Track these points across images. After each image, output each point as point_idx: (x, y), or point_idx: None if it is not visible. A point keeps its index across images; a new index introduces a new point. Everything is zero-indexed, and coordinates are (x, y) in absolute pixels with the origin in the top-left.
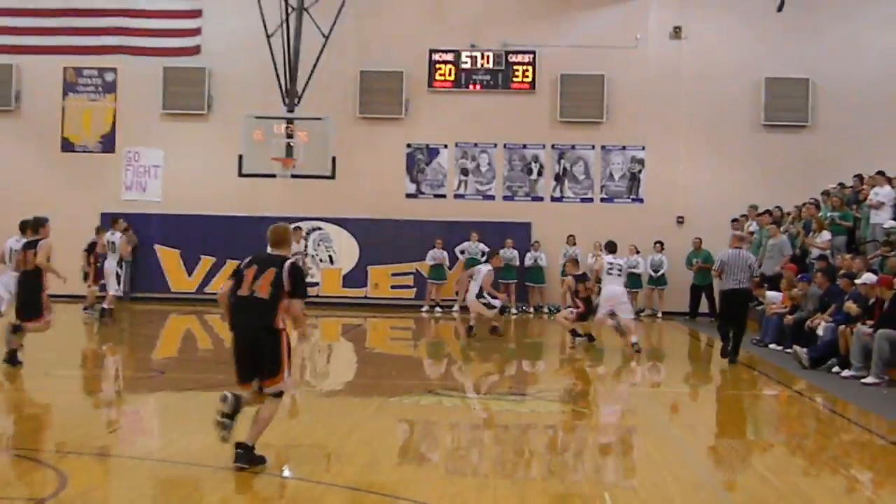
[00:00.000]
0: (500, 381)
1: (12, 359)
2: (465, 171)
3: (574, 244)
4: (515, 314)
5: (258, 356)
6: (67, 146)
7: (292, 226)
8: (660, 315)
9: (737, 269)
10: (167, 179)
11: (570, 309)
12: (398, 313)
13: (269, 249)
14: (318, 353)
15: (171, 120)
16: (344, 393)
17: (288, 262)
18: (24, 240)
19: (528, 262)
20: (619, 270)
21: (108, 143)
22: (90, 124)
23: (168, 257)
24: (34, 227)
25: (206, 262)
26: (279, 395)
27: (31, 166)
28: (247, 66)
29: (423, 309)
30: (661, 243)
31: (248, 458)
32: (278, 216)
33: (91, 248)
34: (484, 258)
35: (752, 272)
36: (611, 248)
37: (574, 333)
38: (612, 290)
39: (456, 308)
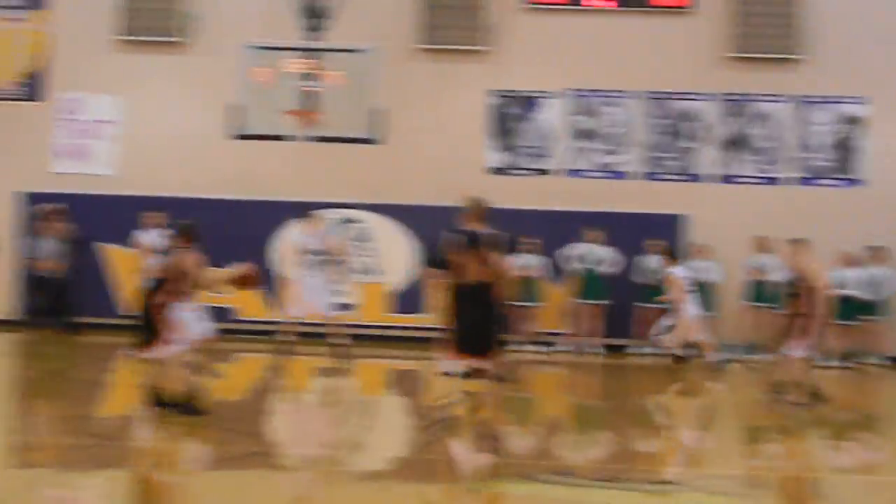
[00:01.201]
0: (634, 461)
1: None
2: (582, 134)
3: (767, 250)
4: (663, 356)
5: None
6: None
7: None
8: (875, 360)
9: None
10: (124, 143)
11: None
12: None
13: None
14: (351, 414)
15: (130, 51)
16: (388, 475)
17: None
18: None
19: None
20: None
21: (33, 87)
22: (7, 58)
23: (123, 262)
24: None
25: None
26: None
27: None
28: None
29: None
30: (885, 249)
31: None
32: (293, 200)
33: None
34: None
35: None
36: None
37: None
38: None
39: (567, 347)
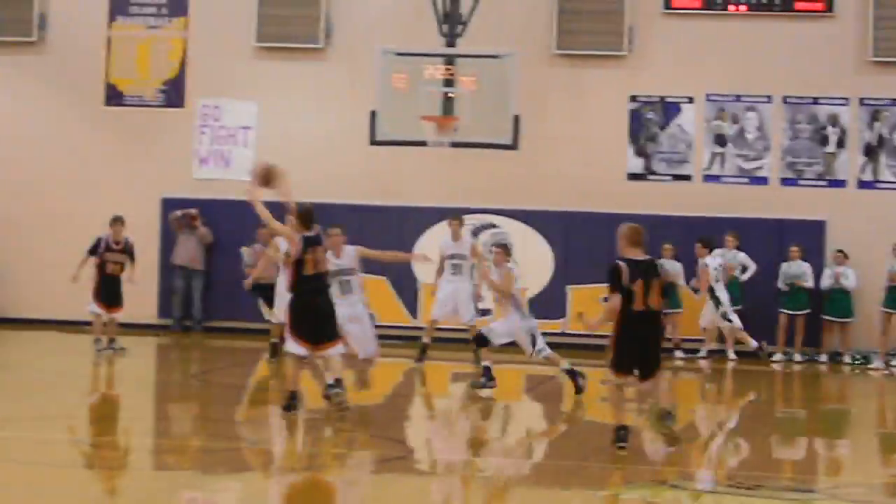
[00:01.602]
0: (774, 469)
1: None
2: (721, 140)
3: None
4: (801, 362)
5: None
6: (114, 96)
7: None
8: None
9: None
10: (262, 148)
11: None
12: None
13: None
14: (488, 419)
15: (268, 58)
16: (527, 481)
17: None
18: None
19: (824, 282)
20: None
21: (173, 93)
22: (148, 64)
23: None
24: None
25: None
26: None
27: (61, 125)
28: None
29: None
30: None
31: None
32: (429, 206)
33: (95, 250)
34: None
35: None
36: None
37: None
38: None
39: (703, 353)
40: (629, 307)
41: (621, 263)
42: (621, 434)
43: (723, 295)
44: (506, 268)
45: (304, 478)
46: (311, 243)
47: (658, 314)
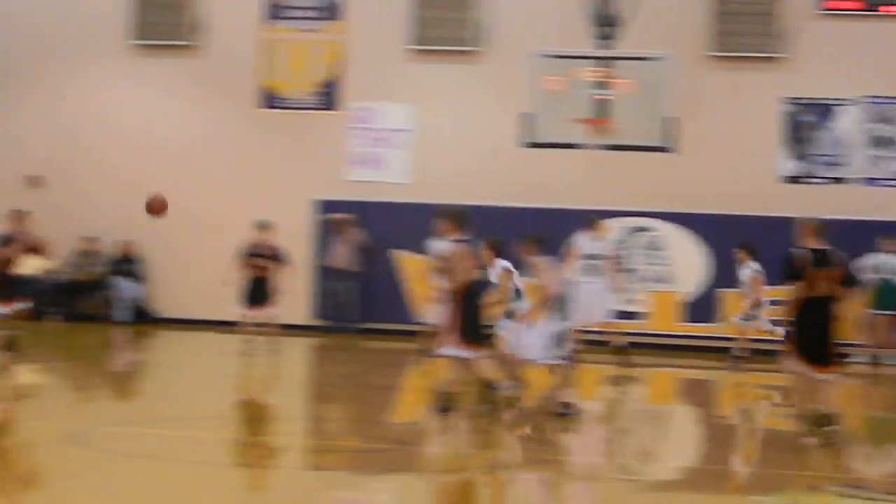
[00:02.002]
0: None
1: None
2: (879, 142)
3: None
4: None
5: None
6: (268, 99)
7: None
8: None
9: None
10: (417, 151)
11: None
12: (768, 364)
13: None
14: (641, 422)
15: (423, 60)
16: (680, 486)
17: None
18: None
19: None
20: None
21: (328, 96)
22: (302, 68)
23: (413, 270)
24: None
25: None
26: None
27: (216, 128)
28: None
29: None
30: None
31: None
32: (584, 209)
33: (243, 254)
34: None
35: None
36: None
37: None
38: None
39: (862, 358)
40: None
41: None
42: (823, 421)
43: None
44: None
45: (458, 479)
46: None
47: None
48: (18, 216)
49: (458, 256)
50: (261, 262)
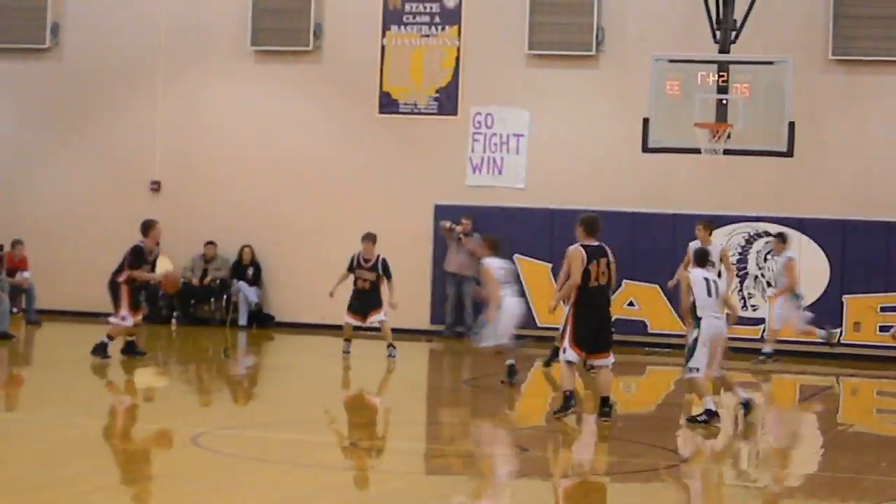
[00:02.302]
0: None
1: None
2: None
3: None
4: None
5: None
6: (388, 104)
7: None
8: None
9: None
10: (533, 156)
11: None
12: (893, 370)
13: None
14: (759, 429)
15: (540, 65)
16: (801, 493)
17: None
18: None
19: None
20: None
21: (447, 101)
22: (421, 73)
23: (534, 275)
24: None
25: None
26: None
27: (336, 133)
28: None
29: None
30: None
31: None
32: (701, 213)
33: (351, 267)
34: None
35: None
36: None
37: None
38: None
39: None
40: None
41: None
42: None
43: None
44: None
45: (576, 484)
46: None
47: None
48: (152, 226)
49: (573, 260)
50: (365, 275)
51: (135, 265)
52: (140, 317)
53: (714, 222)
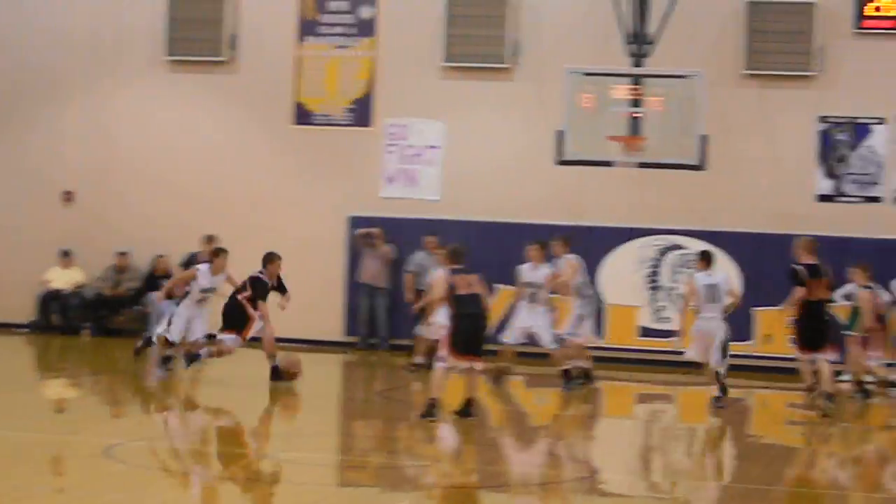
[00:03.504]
0: None
1: None
2: None
3: None
4: None
5: None
6: (303, 115)
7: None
8: None
9: None
10: (448, 168)
11: None
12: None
13: None
14: (672, 440)
15: (456, 77)
16: None
17: None
18: None
19: None
20: None
21: (362, 113)
22: (336, 84)
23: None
24: None
25: (505, 294)
26: None
27: (250, 144)
28: None
29: (843, 377)
30: None
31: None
32: (614, 226)
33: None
34: None
35: None
36: None
37: None
38: None
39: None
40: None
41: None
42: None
43: None
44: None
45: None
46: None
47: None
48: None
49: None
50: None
51: (257, 297)
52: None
53: (569, 237)
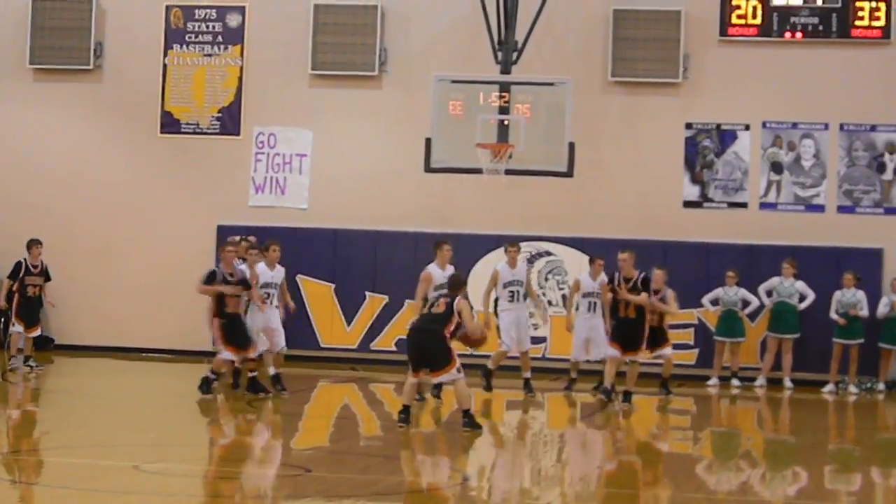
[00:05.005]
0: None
1: None
2: (777, 167)
3: None
4: (856, 393)
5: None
6: (170, 124)
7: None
8: None
9: None
10: (316, 176)
11: None
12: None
13: None
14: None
15: (323, 85)
16: None
17: None
18: None
19: (881, 311)
20: None
21: (229, 121)
22: (203, 92)
23: (317, 295)
24: None
25: (375, 301)
26: None
27: (118, 153)
28: (439, 5)
29: (710, 381)
30: None
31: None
32: (484, 234)
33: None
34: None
35: None
36: None
37: None
38: None
39: (761, 381)
40: None
41: None
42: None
43: None
44: None
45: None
46: None
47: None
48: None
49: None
50: (34, 280)
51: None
52: None
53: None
